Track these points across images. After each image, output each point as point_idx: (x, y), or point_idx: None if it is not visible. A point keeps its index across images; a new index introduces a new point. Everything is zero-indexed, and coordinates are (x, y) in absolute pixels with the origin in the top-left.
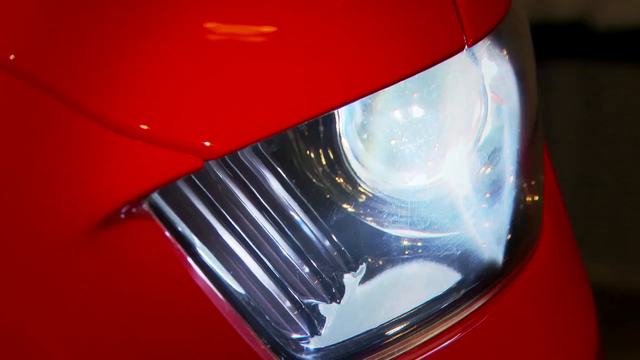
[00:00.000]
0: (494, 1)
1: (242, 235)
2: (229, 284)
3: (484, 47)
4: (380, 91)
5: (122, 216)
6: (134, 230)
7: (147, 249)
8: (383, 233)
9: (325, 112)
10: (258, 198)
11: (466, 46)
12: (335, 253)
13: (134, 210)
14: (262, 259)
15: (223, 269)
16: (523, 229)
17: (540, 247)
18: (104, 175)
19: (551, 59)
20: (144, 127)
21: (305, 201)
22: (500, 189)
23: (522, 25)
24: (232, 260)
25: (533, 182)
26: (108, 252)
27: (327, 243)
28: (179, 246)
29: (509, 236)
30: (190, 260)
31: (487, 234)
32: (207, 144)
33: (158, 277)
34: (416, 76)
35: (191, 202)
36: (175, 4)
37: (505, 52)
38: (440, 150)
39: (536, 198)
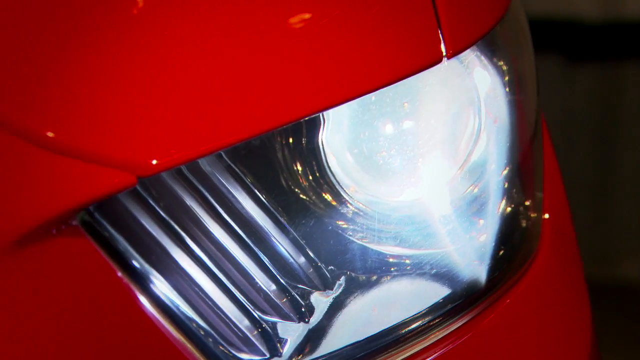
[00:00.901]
0: (482, 9)
1: (195, 252)
2: (175, 307)
3: (472, 57)
4: (363, 100)
5: (54, 232)
6: (63, 247)
7: (79, 267)
8: (362, 248)
9: (283, 125)
10: (218, 211)
11: (445, 57)
12: (311, 270)
13: (63, 227)
14: (218, 277)
15: (170, 289)
16: (512, 247)
17: (536, 263)
18: (28, 192)
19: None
20: (70, 142)
21: (276, 215)
22: (487, 207)
23: (521, 32)
24: (183, 280)
25: (527, 199)
26: (37, 268)
27: (301, 259)
28: (114, 265)
29: (497, 254)
30: (128, 280)
31: (470, 252)
32: (140, 160)
33: (91, 299)
34: (401, 87)
35: (135, 218)
36: (104, 18)
37: (501, 62)
38: (425, 165)
39: (532, 215)
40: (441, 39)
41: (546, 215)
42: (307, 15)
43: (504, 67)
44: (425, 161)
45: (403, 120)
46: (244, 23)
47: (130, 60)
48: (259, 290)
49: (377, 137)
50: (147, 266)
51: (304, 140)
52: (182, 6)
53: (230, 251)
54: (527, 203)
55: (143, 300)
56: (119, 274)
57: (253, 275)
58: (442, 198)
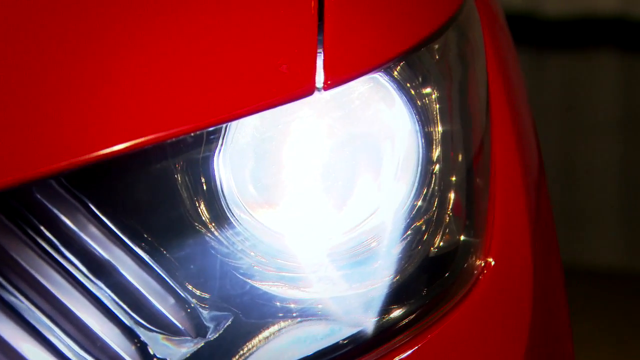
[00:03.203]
0: (384, 37)
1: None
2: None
3: (369, 88)
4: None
5: None
6: None
7: None
8: (248, 287)
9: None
10: (53, 244)
11: (319, 89)
12: (183, 313)
13: None
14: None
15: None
16: (414, 293)
17: (455, 310)
18: None
19: None
20: None
21: (133, 248)
22: (381, 251)
23: (464, 51)
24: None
25: (444, 241)
26: None
27: (169, 300)
28: None
29: (394, 301)
30: None
31: (361, 299)
32: None
33: None
34: (281, 117)
35: None
36: None
37: (419, 91)
38: (313, 202)
39: (449, 258)
40: (319, 69)
41: (490, 260)
42: (174, 31)
43: (423, 98)
44: (313, 197)
45: (284, 151)
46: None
47: None
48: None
49: (262, 168)
50: None
51: (183, 157)
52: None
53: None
54: (442, 245)
55: None
56: None
57: (88, 318)
58: (331, 239)
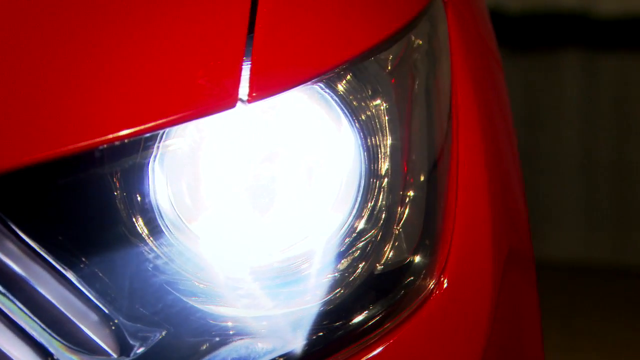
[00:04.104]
0: (335, 41)
1: None
2: None
3: (324, 92)
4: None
5: None
6: None
7: None
8: (179, 304)
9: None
10: None
11: (243, 102)
12: (106, 330)
13: None
14: None
15: None
16: (348, 314)
17: (415, 320)
18: None
19: None
20: None
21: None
22: (312, 270)
23: (418, 53)
24: None
25: (381, 262)
26: None
27: (91, 316)
28: None
29: (324, 322)
30: None
31: (293, 319)
32: None
33: None
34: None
35: None
36: None
37: (378, 98)
38: (241, 216)
39: (389, 279)
40: (244, 82)
41: (444, 280)
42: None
43: (369, 110)
44: (240, 215)
45: (215, 165)
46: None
47: None
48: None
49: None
50: None
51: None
52: None
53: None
54: (385, 265)
55: None
56: None
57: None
58: (258, 258)
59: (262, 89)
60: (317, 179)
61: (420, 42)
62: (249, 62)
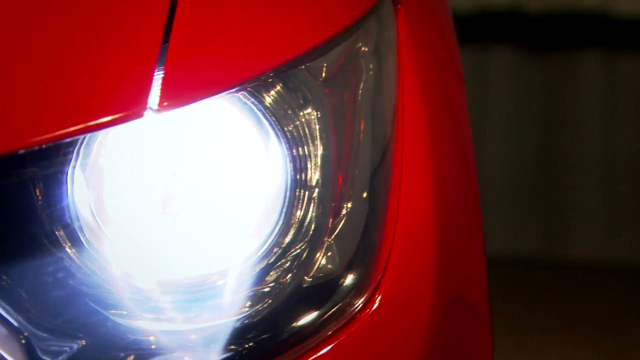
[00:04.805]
0: (262, 48)
1: None
2: None
3: (248, 101)
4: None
5: None
6: None
7: None
8: (102, 319)
9: None
10: None
11: (152, 111)
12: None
13: None
14: None
15: None
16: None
17: (344, 337)
18: None
19: None
20: None
21: None
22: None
23: (357, 60)
24: None
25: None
26: None
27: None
28: None
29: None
30: None
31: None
32: None
33: None
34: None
35: None
36: None
37: (310, 107)
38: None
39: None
40: (155, 91)
41: (377, 296)
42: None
43: (297, 120)
44: (152, 227)
45: (130, 175)
46: None
47: None
48: None
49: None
50: None
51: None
52: None
53: None
54: (310, 281)
55: None
56: None
57: None
58: (168, 271)
59: (174, 98)
60: (238, 191)
61: (365, 48)
62: (161, 70)
